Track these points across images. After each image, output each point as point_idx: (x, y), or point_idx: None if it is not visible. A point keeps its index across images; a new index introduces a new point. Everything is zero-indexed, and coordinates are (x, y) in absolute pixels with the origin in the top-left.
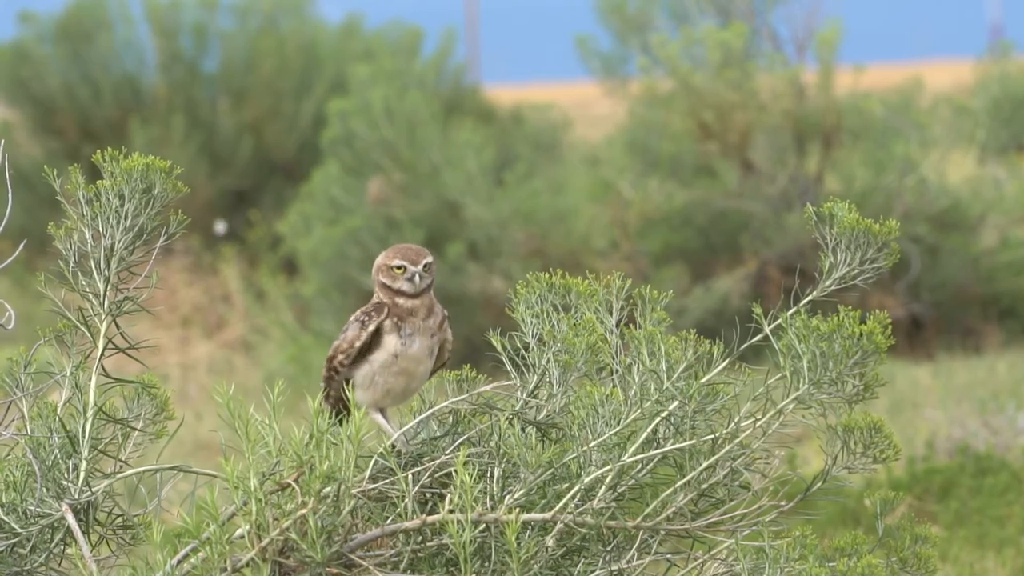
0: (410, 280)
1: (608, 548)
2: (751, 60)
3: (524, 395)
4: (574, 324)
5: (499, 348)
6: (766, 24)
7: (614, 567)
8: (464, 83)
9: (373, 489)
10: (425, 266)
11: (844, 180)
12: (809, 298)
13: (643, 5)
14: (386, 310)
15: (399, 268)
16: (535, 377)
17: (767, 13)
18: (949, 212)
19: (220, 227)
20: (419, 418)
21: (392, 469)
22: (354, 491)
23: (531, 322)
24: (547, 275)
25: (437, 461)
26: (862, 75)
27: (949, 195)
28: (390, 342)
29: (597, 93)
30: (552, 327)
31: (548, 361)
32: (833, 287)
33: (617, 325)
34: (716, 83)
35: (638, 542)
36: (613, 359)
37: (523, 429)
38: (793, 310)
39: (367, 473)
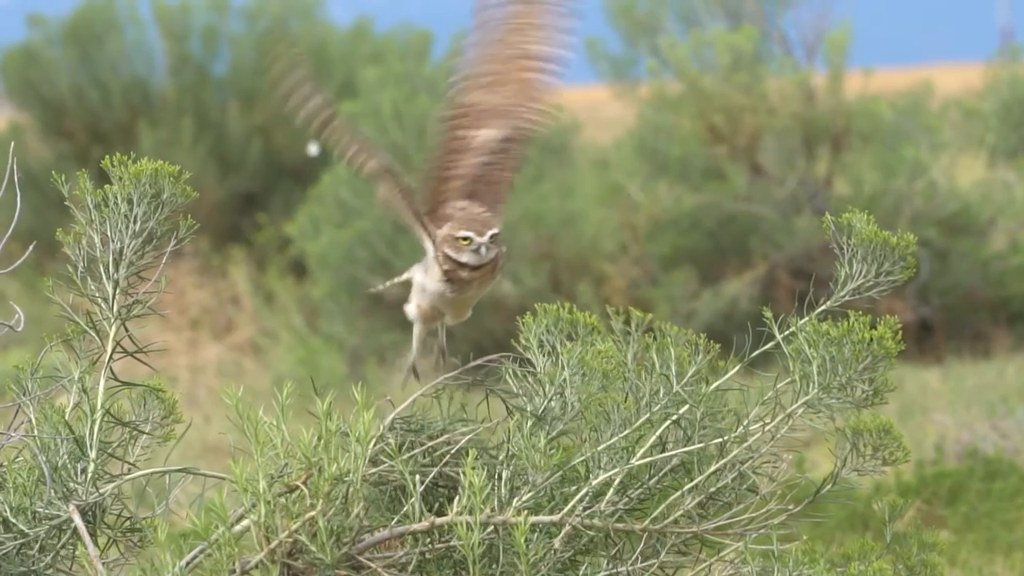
0: (475, 251)
1: (616, 550)
2: (760, 63)
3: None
4: (590, 355)
5: (510, 381)
6: (776, 27)
7: (621, 568)
8: None
9: (373, 473)
10: (492, 237)
11: (853, 183)
12: (822, 308)
13: (652, 8)
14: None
15: (465, 240)
16: (546, 401)
17: (777, 16)
18: (959, 216)
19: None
20: (412, 397)
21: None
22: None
23: (542, 360)
24: (555, 308)
25: (439, 459)
26: (871, 79)
27: (959, 199)
28: (441, 287)
29: (607, 96)
30: (564, 370)
31: (564, 381)
32: (847, 298)
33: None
34: (725, 86)
35: (643, 545)
36: (625, 367)
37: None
38: (806, 319)
39: (366, 454)
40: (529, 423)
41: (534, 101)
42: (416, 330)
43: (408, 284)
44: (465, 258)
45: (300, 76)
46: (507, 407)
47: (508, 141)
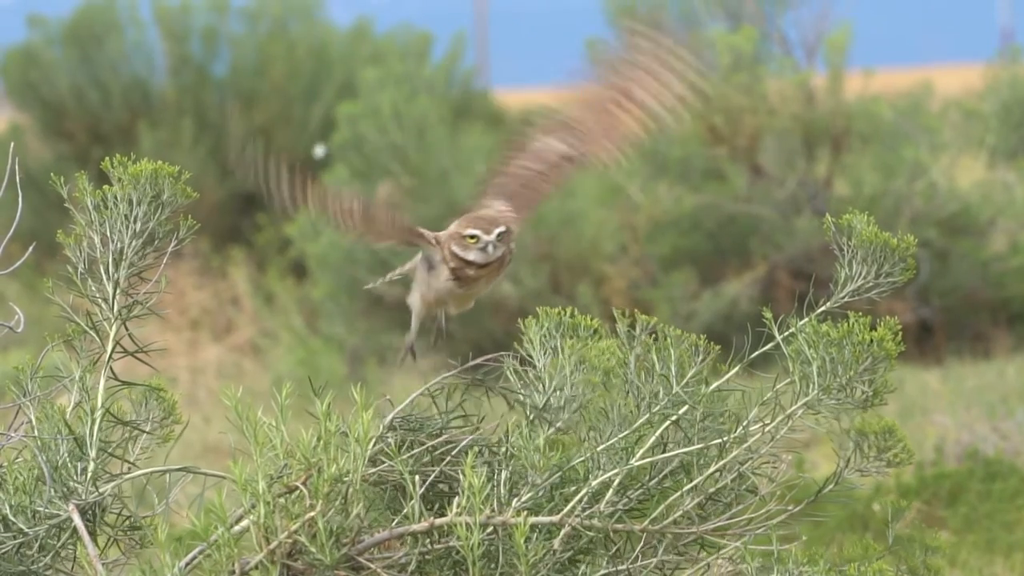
0: (482, 250)
1: (616, 549)
2: (760, 64)
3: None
4: (592, 351)
5: (511, 377)
6: (776, 28)
7: (621, 567)
8: (473, 87)
9: (373, 473)
10: (499, 235)
11: (853, 184)
12: (822, 309)
13: (653, 9)
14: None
15: (472, 238)
16: (545, 397)
17: (777, 17)
18: (958, 216)
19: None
20: (411, 397)
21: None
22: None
23: (544, 363)
24: (557, 312)
25: (441, 455)
26: (872, 79)
27: (959, 199)
28: (448, 285)
29: None
30: (564, 368)
31: (565, 376)
32: (847, 299)
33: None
34: (725, 87)
35: (643, 544)
36: (627, 367)
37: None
38: (805, 320)
39: (366, 455)
40: (528, 421)
41: (608, 139)
42: (415, 314)
43: (407, 277)
44: (472, 256)
45: (254, 155)
46: (507, 401)
47: (566, 159)
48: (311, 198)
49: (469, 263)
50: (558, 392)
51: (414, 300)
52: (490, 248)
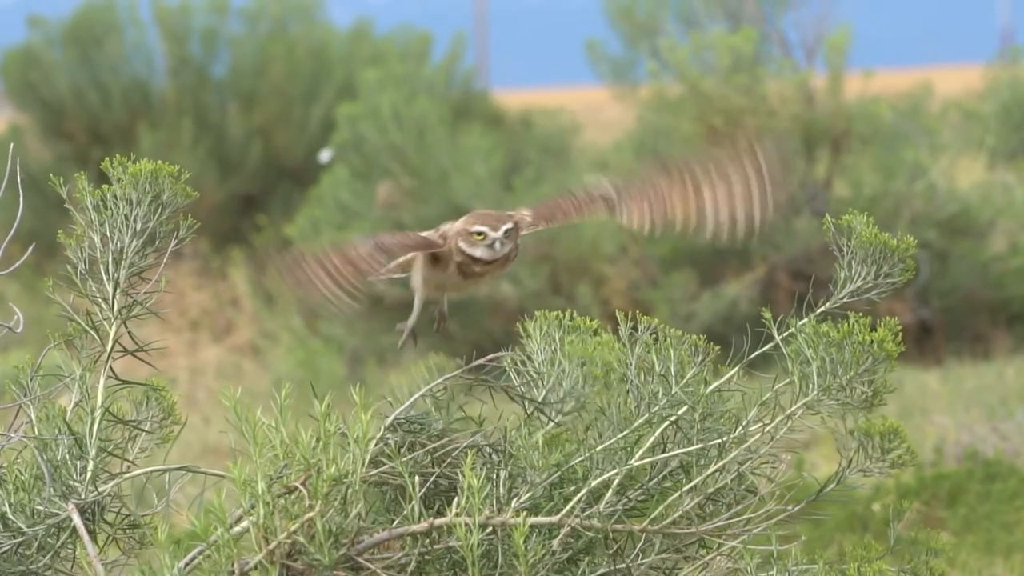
0: (489, 247)
1: (617, 548)
2: (760, 65)
3: (532, 405)
4: (591, 345)
5: (512, 375)
6: (776, 29)
7: (620, 566)
8: (473, 88)
9: (373, 475)
10: (506, 232)
11: (853, 185)
12: (821, 309)
13: (652, 9)
14: (454, 262)
15: (479, 235)
16: (545, 391)
17: (777, 18)
18: (958, 217)
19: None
20: (412, 398)
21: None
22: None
23: (543, 357)
24: (556, 315)
25: (442, 456)
26: (871, 80)
27: (958, 200)
28: (454, 279)
29: (606, 98)
30: (563, 362)
31: (563, 372)
32: (846, 299)
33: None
34: (725, 88)
35: (642, 543)
36: (627, 367)
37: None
38: (804, 321)
39: (367, 456)
40: (527, 415)
41: (650, 209)
42: (418, 297)
43: (406, 266)
44: (479, 252)
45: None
46: (508, 395)
47: (604, 200)
48: (349, 277)
49: (475, 260)
50: (558, 386)
51: (416, 283)
52: (497, 244)
